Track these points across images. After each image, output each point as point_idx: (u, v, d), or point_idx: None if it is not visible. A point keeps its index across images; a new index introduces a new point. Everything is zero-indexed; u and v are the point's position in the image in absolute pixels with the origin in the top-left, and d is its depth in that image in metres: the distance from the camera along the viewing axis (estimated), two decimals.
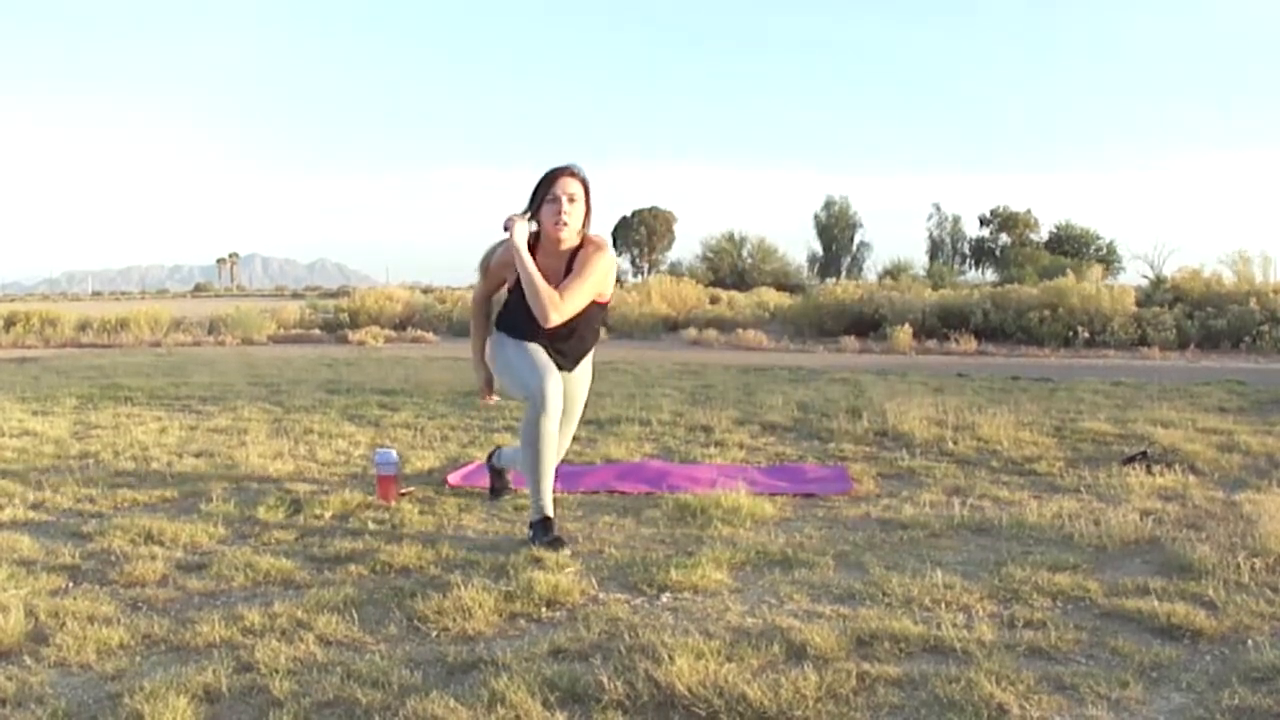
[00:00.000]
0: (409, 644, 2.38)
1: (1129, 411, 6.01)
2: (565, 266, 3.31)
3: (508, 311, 3.45)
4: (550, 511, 3.30)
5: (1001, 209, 48.98)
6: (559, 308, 3.22)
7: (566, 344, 3.42)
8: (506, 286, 3.44)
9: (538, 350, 3.36)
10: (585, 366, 3.59)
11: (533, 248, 3.31)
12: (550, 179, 3.27)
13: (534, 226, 3.32)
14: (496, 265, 3.41)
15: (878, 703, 2.03)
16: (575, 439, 5.20)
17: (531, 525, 3.29)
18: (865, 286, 17.67)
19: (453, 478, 4.21)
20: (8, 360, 11.48)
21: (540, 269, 3.26)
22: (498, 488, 3.90)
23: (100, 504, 3.79)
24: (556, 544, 3.17)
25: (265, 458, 4.68)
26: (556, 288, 3.25)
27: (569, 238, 3.28)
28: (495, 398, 3.68)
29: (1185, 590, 2.66)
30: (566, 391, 3.42)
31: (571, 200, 3.24)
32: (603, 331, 3.50)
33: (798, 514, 3.63)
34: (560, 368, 3.39)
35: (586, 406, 3.79)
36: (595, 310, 3.40)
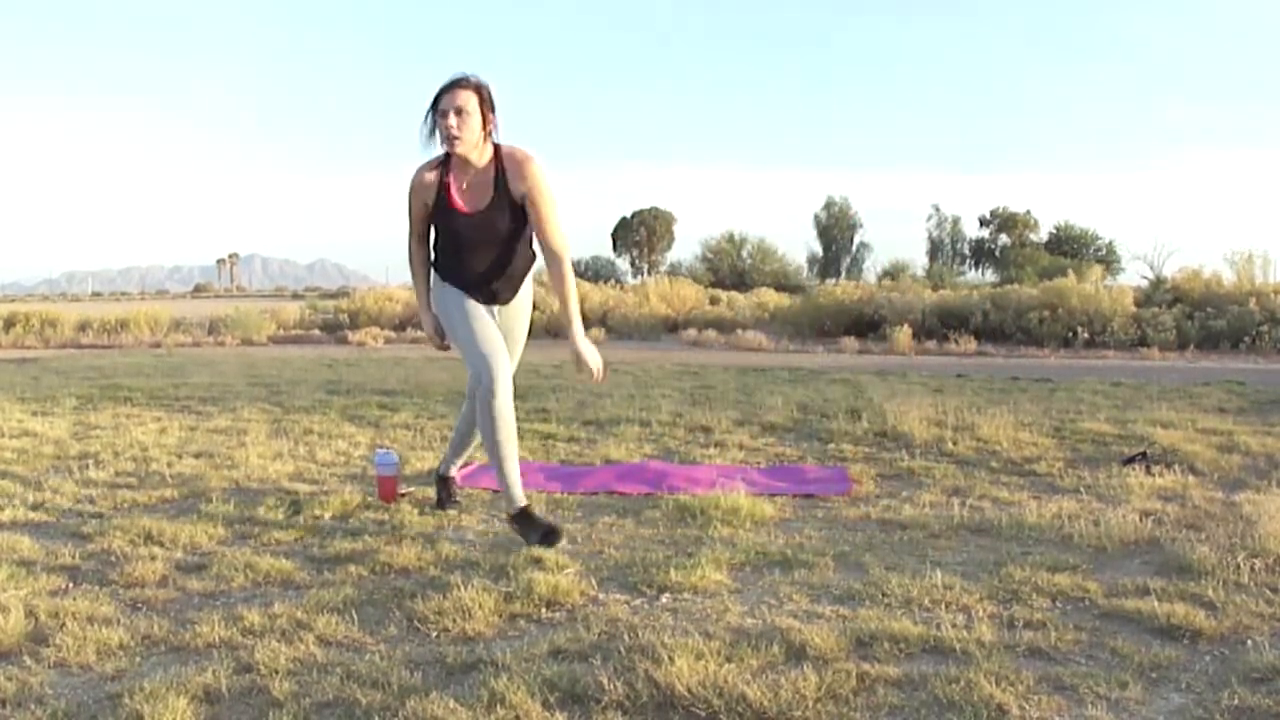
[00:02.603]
0: (409, 644, 2.38)
1: (1128, 412, 6.01)
2: (491, 183, 3.20)
3: (440, 255, 3.37)
4: (524, 500, 3.25)
5: (1001, 209, 49.02)
6: (565, 249, 3.23)
7: (501, 277, 3.33)
8: (433, 227, 3.34)
9: (477, 314, 3.28)
10: (525, 292, 3.48)
11: (448, 170, 3.22)
12: (436, 97, 3.14)
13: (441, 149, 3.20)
14: (416, 204, 3.30)
15: (877, 703, 2.03)
16: (575, 440, 5.21)
17: (514, 520, 3.24)
18: (865, 287, 17.66)
19: None
20: (7, 361, 11.48)
21: (464, 190, 3.21)
22: (443, 498, 3.75)
23: (100, 504, 3.79)
24: (550, 536, 3.15)
25: (265, 458, 4.68)
26: (490, 210, 3.19)
27: (465, 151, 3.14)
28: (451, 345, 3.46)
29: (1185, 591, 2.66)
30: (506, 326, 3.38)
31: (459, 113, 3.10)
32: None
33: (797, 514, 3.63)
34: (499, 299, 3.35)
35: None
36: (526, 230, 3.28)
